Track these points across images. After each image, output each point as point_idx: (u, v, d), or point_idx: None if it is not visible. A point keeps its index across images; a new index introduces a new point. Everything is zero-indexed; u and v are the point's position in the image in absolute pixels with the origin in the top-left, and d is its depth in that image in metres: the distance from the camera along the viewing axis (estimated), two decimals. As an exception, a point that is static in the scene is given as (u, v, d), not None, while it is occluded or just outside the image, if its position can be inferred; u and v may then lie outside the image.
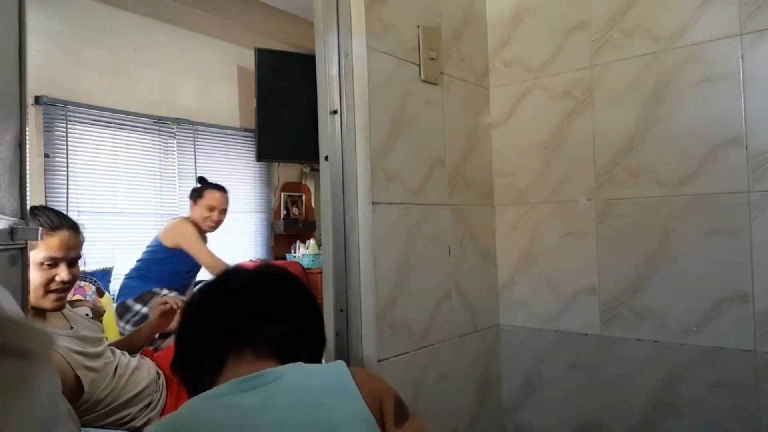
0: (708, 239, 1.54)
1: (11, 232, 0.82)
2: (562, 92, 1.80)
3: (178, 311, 1.92)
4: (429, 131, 1.68)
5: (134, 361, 1.63)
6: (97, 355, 1.51)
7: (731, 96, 1.50)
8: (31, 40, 3.02)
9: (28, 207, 0.95)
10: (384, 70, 1.52)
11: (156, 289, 2.81)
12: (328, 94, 1.49)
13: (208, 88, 4.01)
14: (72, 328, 1.50)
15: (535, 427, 1.89)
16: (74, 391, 1.40)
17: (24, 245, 0.90)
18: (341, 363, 0.85)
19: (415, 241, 1.59)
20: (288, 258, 4.26)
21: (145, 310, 2.72)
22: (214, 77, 4.04)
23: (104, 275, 3.27)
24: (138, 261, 2.95)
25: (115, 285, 3.23)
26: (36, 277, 1.41)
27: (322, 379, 0.79)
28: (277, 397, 0.74)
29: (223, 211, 2.99)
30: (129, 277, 2.92)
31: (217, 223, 2.98)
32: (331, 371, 0.82)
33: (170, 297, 1.99)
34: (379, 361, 1.44)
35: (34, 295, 1.41)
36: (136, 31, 3.59)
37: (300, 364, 0.82)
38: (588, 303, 1.75)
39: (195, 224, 2.95)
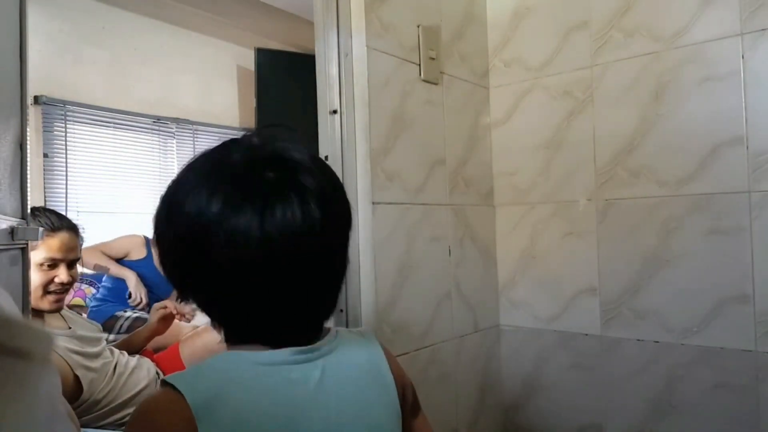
0: (708, 239, 1.54)
1: (12, 232, 0.82)
2: (562, 92, 1.80)
3: (177, 316, 1.91)
4: (429, 131, 1.68)
5: (133, 360, 1.63)
6: (96, 355, 1.51)
7: (732, 96, 1.50)
8: (31, 40, 3.02)
9: (29, 207, 0.95)
10: (384, 70, 1.52)
11: (119, 313, 2.69)
12: (328, 94, 1.49)
13: (208, 88, 4.00)
14: (70, 328, 1.51)
15: (536, 427, 1.88)
16: (73, 391, 1.39)
17: (25, 245, 0.90)
18: (374, 341, 0.76)
19: (415, 241, 1.59)
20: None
21: (111, 337, 2.45)
22: (214, 77, 4.04)
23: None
24: (99, 286, 2.90)
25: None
26: (35, 278, 1.41)
27: (365, 365, 0.72)
28: (327, 383, 0.66)
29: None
30: (92, 304, 2.85)
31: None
32: (370, 351, 0.74)
33: (169, 301, 1.98)
34: (379, 361, 1.43)
35: (33, 295, 1.41)
36: (136, 31, 3.58)
37: (341, 333, 0.73)
38: (588, 303, 1.75)
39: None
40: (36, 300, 1.43)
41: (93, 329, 1.59)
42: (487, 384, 1.89)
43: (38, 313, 1.46)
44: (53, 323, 1.50)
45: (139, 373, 1.60)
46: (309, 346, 0.67)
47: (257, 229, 0.59)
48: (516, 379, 1.93)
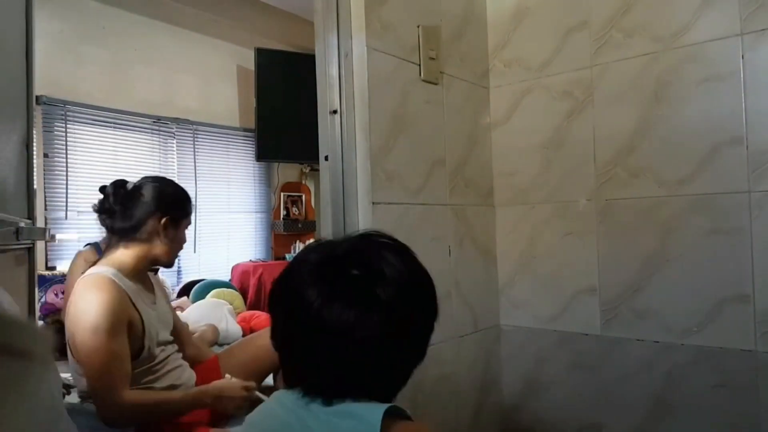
0: (708, 239, 1.54)
1: (17, 231, 0.82)
2: (562, 92, 1.80)
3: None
4: (429, 131, 1.68)
5: (182, 362, 1.61)
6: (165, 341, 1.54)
7: (732, 96, 1.50)
8: (31, 40, 3.00)
9: (36, 207, 0.94)
10: (384, 70, 1.52)
11: None
12: (328, 94, 1.49)
13: (208, 88, 4.00)
14: (155, 303, 1.56)
15: (536, 427, 1.88)
16: (134, 353, 1.40)
17: (31, 245, 0.90)
18: (380, 409, 0.68)
19: (415, 241, 1.58)
20: (288, 258, 4.26)
21: None
22: (214, 77, 4.04)
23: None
24: None
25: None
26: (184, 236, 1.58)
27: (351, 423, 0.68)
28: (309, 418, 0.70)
29: None
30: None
31: None
32: (367, 417, 0.68)
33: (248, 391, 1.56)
34: (379, 361, 1.43)
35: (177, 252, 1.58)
36: (136, 31, 3.58)
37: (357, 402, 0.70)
38: (588, 303, 1.75)
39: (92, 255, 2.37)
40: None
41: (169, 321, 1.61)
42: (487, 384, 1.89)
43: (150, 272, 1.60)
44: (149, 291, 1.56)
45: (183, 372, 1.59)
46: (308, 398, 0.71)
47: (316, 309, 0.70)
48: (516, 379, 1.93)
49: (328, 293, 0.70)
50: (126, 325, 1.37)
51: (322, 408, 0.70)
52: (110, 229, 1.52)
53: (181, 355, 1.63)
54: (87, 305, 1.33)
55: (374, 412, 0.68)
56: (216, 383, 1.48)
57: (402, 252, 0.78)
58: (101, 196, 1.53)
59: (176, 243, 1.57)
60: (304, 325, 0.71)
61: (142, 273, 1.55)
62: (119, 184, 1.55)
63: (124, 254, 1.48)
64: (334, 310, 0.69)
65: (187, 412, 1.44)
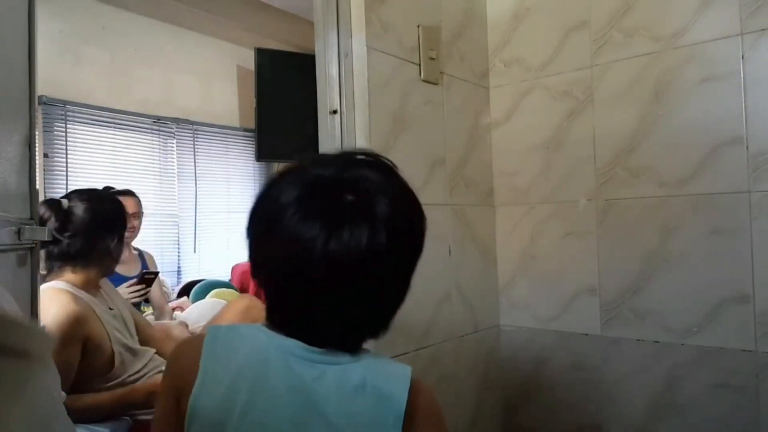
0: (708, 239, 1.54)
1: (19, 231, 0.81)
2: (562, 92, 1.80)
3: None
4: (429, 131, 1.68)
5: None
6: (137, 352, 1.50)
7: (732, 96, 1.50)
8: (31, 40, 3.00)
9: (38, 207, 0.94)
10: (384, 70, 1.52)
11: None
12: (328, 94, 1.49)
13: (208, 88, 4.00)
14: (111, 309, 1.51)
15: (536, 427, 1.88)
16: (106, 363, 1.39)
17: (33, 245, 0.89)
18: (405, 379, 0.68)
19: (415, 241, 1.59)
20: (288, 258, 4.25)
21: None
22: (214, 77, 4.03)
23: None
24: None
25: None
26: None
27: (372, 401, 0.65)
28: (321, 391, 0.66)
29: (136, 216, 2.65)
30: None
31: (133, 231, 2.67)
32: (389, 390, 0.66)
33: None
34: (379, 361, 1.43)
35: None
36: (136, 31, 3.58)
37: (366, 359, 0.70)
38: (588, 303, 1.75)
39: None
40: None
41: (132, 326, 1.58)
42: (487, 384, 1.88)
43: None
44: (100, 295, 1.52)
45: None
46: (316, 348, 0.68)
47: (322, 243, 0.64)
48: (516, 379, 1.93)
49: (332, 223, 0.65)
50: (80, 340, 1.33)
51: (343, 374, 0.67)
52: (52, 255, 1.41)
53: (159, 358, 1.62)
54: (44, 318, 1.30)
55: (400, 383, 0.67)
56: (148, 381, 1.45)
57: (385, 168, 0.76)
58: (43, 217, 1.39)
59: (120, 254, 1.56)
60: (309, 266, 0.65)
61: (94, 285, 1.51)
62: (53, 205, 1.41)
63: (73, 277, 1.43)
64: (342, 238, 0.64)
65: (122, 411, 1.40)
